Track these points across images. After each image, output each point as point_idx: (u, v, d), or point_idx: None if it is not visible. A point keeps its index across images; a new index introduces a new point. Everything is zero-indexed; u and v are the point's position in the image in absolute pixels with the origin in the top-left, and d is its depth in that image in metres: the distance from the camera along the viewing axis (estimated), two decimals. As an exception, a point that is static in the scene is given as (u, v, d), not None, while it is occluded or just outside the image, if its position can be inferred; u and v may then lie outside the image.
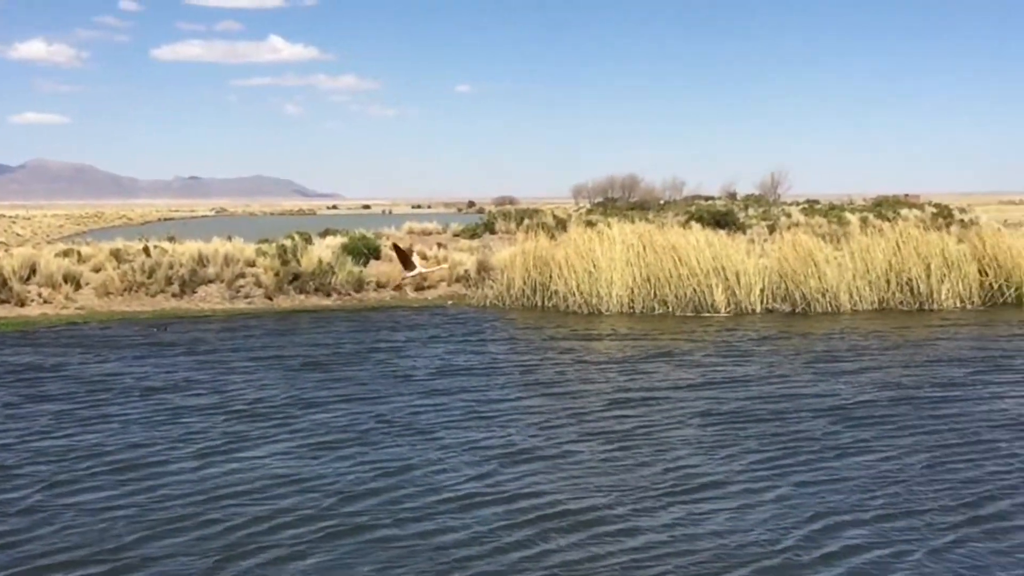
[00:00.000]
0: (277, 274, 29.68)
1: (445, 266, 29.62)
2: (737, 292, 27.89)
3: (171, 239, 33.20)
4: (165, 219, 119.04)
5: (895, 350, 21.43)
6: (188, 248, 31.20)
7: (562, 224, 40.91)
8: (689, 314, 27.26)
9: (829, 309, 27.62)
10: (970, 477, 11.98)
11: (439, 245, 35.76)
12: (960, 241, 29.99)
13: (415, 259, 25.22)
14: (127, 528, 10.33)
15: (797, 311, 27.62)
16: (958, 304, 28.28)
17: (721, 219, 44.97)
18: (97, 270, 29.66)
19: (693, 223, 39.46)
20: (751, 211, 59.58)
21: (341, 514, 10.72)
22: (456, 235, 41.02)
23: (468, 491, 11.51)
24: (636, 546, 9.84)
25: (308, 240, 33.31)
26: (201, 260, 30.15)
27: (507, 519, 10.57)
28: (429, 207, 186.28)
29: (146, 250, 30.75)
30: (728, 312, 27.43)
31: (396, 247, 27.67)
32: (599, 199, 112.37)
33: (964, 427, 14.31)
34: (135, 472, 12.29)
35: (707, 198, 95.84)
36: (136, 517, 10.66)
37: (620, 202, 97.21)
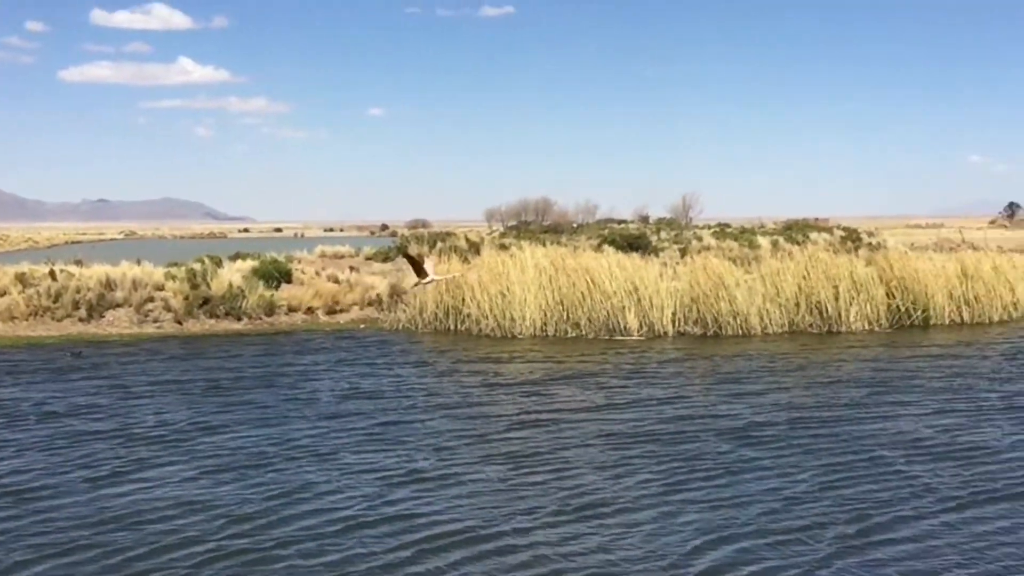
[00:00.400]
0: (187, 298, 29.26)
1: (458, 274, 29.19)
2: (650, 315, 28.04)
3: (78, 263, 32.50)
4: (72, 242, 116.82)
5: (799, 372, 21.79)
6: (96, 272, 30.61)
7: (475, 247, 40.79)
8: (603, 337, 27.38)
9: (740, 332, 27.84)
10: (856, 493, 12.28)
11: (351, 268, 35.48)
12: (868, 264, 30.40)
13: (428, 266, 24.57)
14: (17, 553, 10.22)
15: (709, 334, 27.81)
16: (866, 326, 28.69)
17: (634, 242, 45.20)
18: (1, 294, 28.95)
19: (606, 246, 39.59)
20: (663, 234, 59.99)
21: (228, 536, 10.70)
22: (368, 258, 40.75)
23: (360, 513, 11.56)
24: (519, 563, 10.00)
25: (218, 264, 32.86)
26: (109, 284, 29.62)
27: (396, 540, 10.63)
28: (342, 230, 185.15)
29: (52, 274, 30.10)
30: (641, 335, 27.53)
31: (407, 254, 27.35)
32: (513, 222, 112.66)
33: (856, 446, 14.64)
34: (28, 497, 12.16)
35: (620, 221, 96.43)
36: (27, 542, 10.55)
37: (533, 225, 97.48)
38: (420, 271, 24.04)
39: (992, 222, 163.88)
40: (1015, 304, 30.74)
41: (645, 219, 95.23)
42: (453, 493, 12.34)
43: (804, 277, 28.86)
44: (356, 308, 31.28)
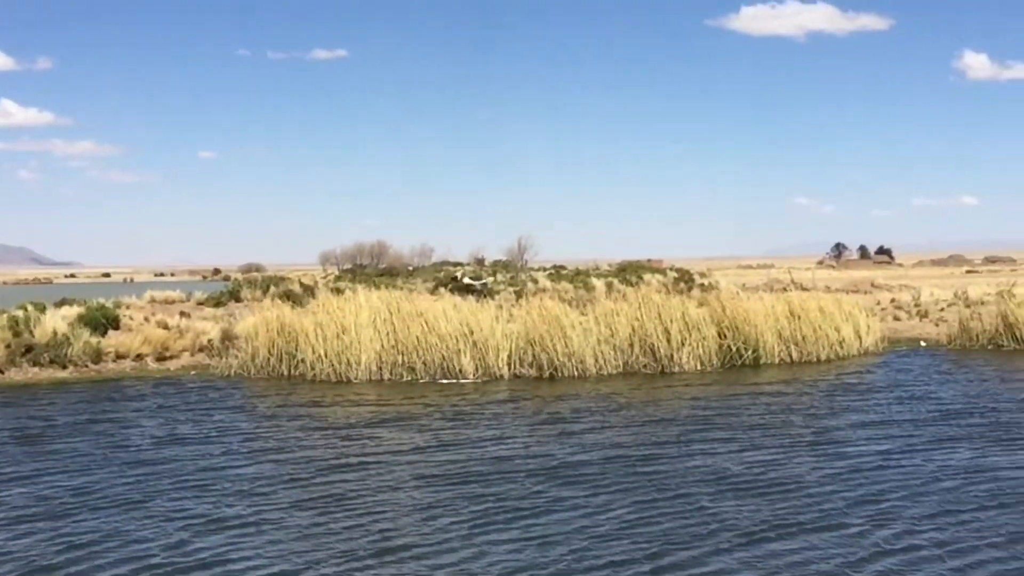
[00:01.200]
0: (8, 346, 28.37)
1: None
2: (486, 358, 28.19)
3: None
4: None
5: (623, 411, 22.32)
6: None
7: (310, 291, 40.51)
8: (439, 380, 27.39)
9: (576, 373, 28.23)
10: (660, 530, 12.68)
11: (182, 314, 34.84)
12: (700, 305, 31.10)
13: None
14: None
15: (544, 376, 28.11)
16: (699, 366, 29.31)
17: (469, 285, 45.36)
18: None
19: (441, 289, 39.71)
20: (499, 277, 60.32)
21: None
22: (200, 303, 40.05)
23: (166, 561, 11.54)
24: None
25: (42, 310, 31.91)
26: (-76, 334, 28.48)
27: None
28: (173, 275, 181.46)
29: None
30: (476, 378, 27.74)
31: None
32: (348, 265, 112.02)
33: (666, 483, 15.11)
34: None
35: (455, 264, 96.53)
36: None
37: (369, 268, 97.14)
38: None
39: (820, 262, 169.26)
40: (841, 343, 31.71)
41: (481, 261, 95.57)
42: (262, 539, 12.40)
43: (637, 318, 29.39)
44: (187, 354, 30.78)
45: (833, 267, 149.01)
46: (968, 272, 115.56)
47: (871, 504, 13.86)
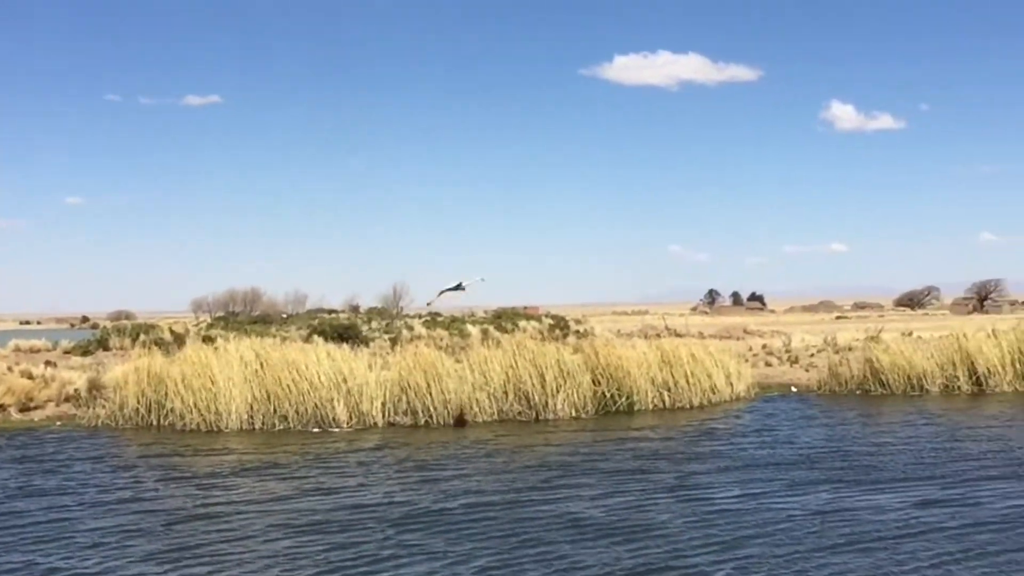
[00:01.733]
0: None
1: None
2: (359, 405, 28.06)
3: None
4: None
5: (491, 458, 22.43)
6: None
7: (180, 339, 39.93)
8: (312, 428, 27.17)
9: (450, 422, 28.13)
10: None
11: (48, 363, 34.10)
12: (574, 352, 31.35)
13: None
14: None
15: (419, 423, 28.00)
16: (573, 413, 29.52)
17: (344, 332, 45.29)
18: None
19: (316, 337, 39.51)
20: (374, 324, 60.26)
21: None
22: (67, 352, 39.28)
23: None
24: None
25: None
26: None
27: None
28: (39, 323, 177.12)
29: None
30: (350, 426, 27.60)
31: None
32: (220, 313, 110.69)
33: (529, 530, 15.23)
34: None
35: (330, 311, 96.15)
36: None
37: (242, 316, 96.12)
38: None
39: (694, 309, 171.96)
40: (713, 389, 32.17)
41: (356, 308, 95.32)
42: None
43: (512, 365, 29.53)
44: (52, 405, 30.10)
45: (707, 313, 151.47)
46: (838, 318, 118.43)
47: (730, 548, 14.14)
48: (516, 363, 29.62)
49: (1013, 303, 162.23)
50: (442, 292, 29.07)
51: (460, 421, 28.28)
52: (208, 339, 35.11)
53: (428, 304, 28.57)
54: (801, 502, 17.22)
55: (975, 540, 14.44)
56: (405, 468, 21.03)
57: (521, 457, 22.48)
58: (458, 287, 28.64)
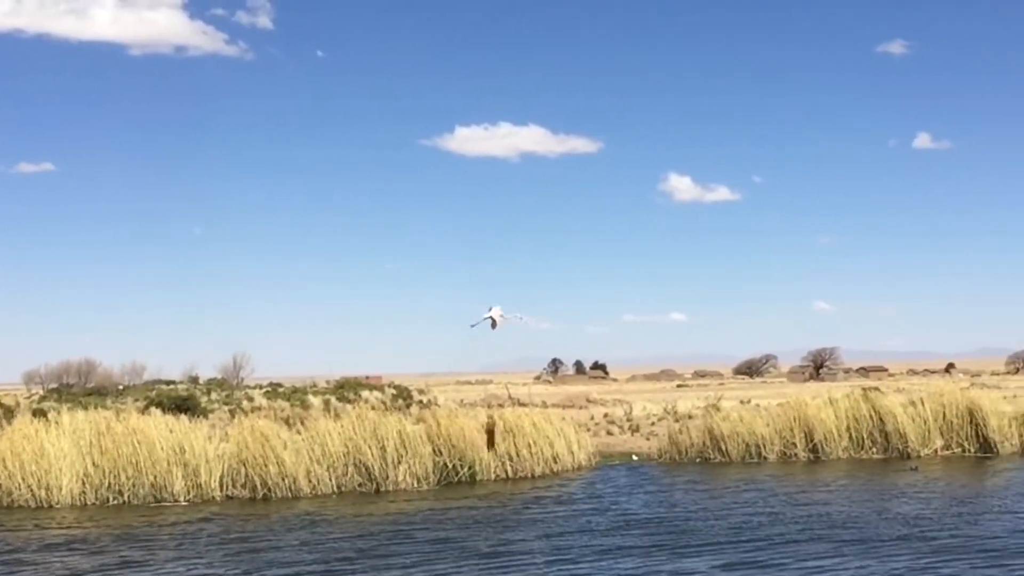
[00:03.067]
0: None
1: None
2: (197, 478, 27.75)
3: None
4: None
5: (314, 528, 22.81)
6: None
7: (10, 412, 38.86)
8: (149, 503, 26.77)
9: (288, 494, 28.04)
10: None
11: None
12: (416, 423, 31.44)
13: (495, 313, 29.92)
14: None
15: (258, 496, 27.81)
16: (415, 485, 29.57)
17: (182, 404, 44.64)
18: None
19: (153, 409, 38.86)
20: (214, 395, 59.42)
21: None
22: None
23: None
24: None
25: None
26: None
27: None
28: None
29: None
30: (188, 499, 27.23)
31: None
32: (54, 385, 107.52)
33: None
34: None
35: (169, 382, 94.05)
36: None
37: (76, 388, 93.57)
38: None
39: (537, 377, 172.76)
40: (555, 458, 32.52)
41: (195, 379, 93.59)
42: None
43: (351, 437, 29.50)
44: None
45: (550, 382, 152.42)
46: (679, 386, 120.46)
47: None
48: (356, 434, 29.60)
49: (847, 370, 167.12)
50: (474, 324, 29.56)
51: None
52: (40, 412, 34.33)
53: (472, 326, 28.78)
54: (606, 567, 17.96)
55: None
56: (225, 541, 21.17)
57: (344, 527, 22.84)
58: (491, 320, 29.14)
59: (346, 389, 61.11)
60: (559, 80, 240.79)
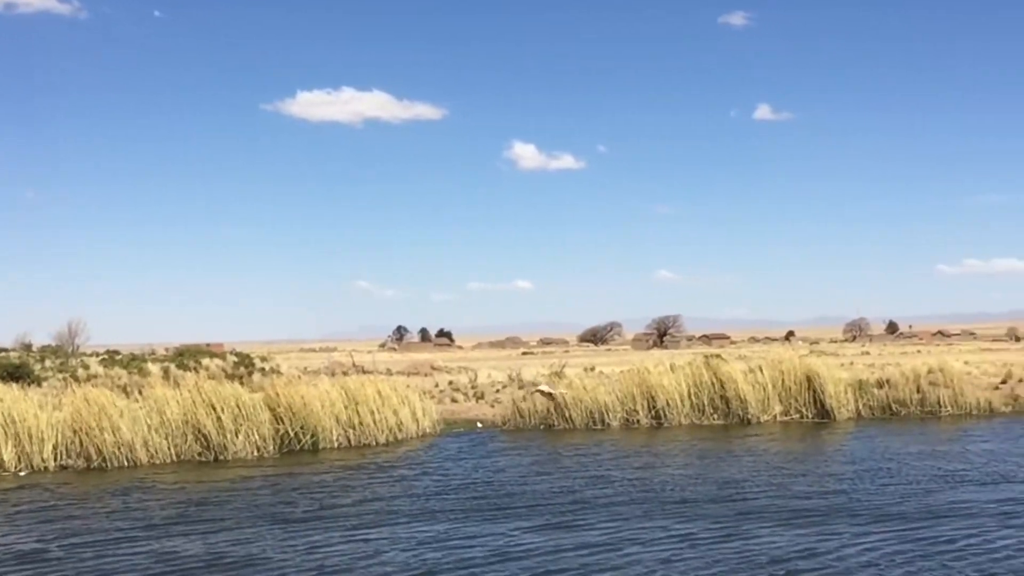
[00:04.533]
0: None
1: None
2: (29, 449, 27.11)
3: None
4: None
5: (126, 497, 22.90)
6: None
7: None
8: (-25, 475, 26.29)
9: (126, 463, 27.66)
10: None
11: None
12: (255, 391, 31.24)
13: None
14: None
15: (93, 466, 27.41)
16: (255, 453, 29.37)
17: (14, 372, 43.60)
18: None
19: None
20: (48, 363, 58.04)
21: None
22: None
23: None
24: None
25: None
26: None
27: None
28: None
29: None
30: (19, 471, 26.65)
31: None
32: None
33: (116, 567, 15.96)
34: None
35: (0, 350, 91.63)
36: None
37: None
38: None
39: (382, 345, 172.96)
40: (399, 426, 32.60)
41: (28, 347, 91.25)
42: None
43: (189, 405, 29.18)
44: None
45: (395, 350, 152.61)
46: (524, 354, 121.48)
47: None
48: (194, 403, 29.29)
49: (691, 338, 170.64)
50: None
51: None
52: None
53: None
54: (414, 529, 18.55)
55: (574, 560, 15.89)
56: (46, 510, 21.20)
57: (169, 495, 22.98)
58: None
59: (186, 357, 60.29)
60: (403, 45, 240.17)
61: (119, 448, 28.15)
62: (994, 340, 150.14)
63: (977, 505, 19.74)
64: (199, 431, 29.34)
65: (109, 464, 27.89)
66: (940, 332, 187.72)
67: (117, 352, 72.85)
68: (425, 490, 22.94)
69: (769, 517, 18.90)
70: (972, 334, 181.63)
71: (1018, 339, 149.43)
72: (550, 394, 32.32)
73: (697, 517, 19.07)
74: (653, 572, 15.04)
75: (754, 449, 29.09)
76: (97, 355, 68.90)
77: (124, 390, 32.71)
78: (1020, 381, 42.76)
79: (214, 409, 29.51)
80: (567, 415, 35.39)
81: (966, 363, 51.88)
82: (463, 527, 18.61)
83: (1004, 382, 42.67)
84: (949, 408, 37.29)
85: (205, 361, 57.13)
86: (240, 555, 16.61)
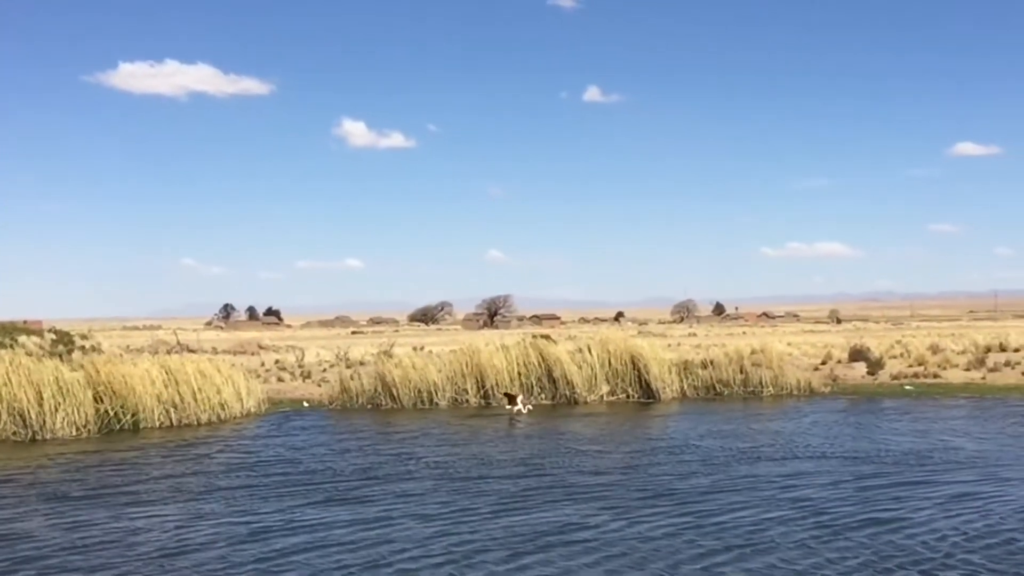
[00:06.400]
0: None
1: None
2: None
3: None
4: None
5: None
6: None
7: None
8: None
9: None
10: None
11: None
12: (74, 369, 30.71)
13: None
14: None
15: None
16: (75, 433, 29.00)
17: None
18: None
19: None
20: None
21: None
22: None
23: None
24: None
25: None
26: None
27: None
28: None
29: None
30: None
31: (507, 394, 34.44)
32: None
33: None
34: None
35: None
36: None
37: None
38: (512, 401, 33.51)
39: (209, 323, 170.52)
40: (223, 405, 32.51)
41: None
42: None
43: (5, 383, 28.54)
44: None
45: (222, 328, 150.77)
46: (354, 333, 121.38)
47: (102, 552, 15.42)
48: (11, 380, 28.64)
49: (521, 318, 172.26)
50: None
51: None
52: None
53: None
54: (189, 507, 18.77)
55: (343, 535, 16.25)
56: None
57: None
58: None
59: (1, 334, 58.58)
60: (230, 19, 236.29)
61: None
62: (816, 322, 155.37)
63: (765, 479, 20.65)
64: (15, 409, 28.72)
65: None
66: (765, 314, 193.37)
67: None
68: (221, 468, 23.22)
69: (553, 494, 19.51)
70: (796, 316, 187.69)
71: (839, 321, 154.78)
72: (519, 410, 32.59)
73: (482, 494, 19.62)
74: (417, 546, 15.48)
75: (569, 429, 29.78)
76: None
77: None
78: (839, 363, 44.51)
79: (32, 386, 28.90)
80: (395, 394, 35.42)
81: (789, 344, 53.77)
82: (243, 504, 18.89)
83: (824, 363, 44.35)
84: (771, 388, 38.54)
85: (22, 338, 55.71)
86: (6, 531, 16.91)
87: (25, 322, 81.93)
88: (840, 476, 20.86)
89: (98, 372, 30.88)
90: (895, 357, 46.73)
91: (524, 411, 32.79)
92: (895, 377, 41.45)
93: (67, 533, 16.63)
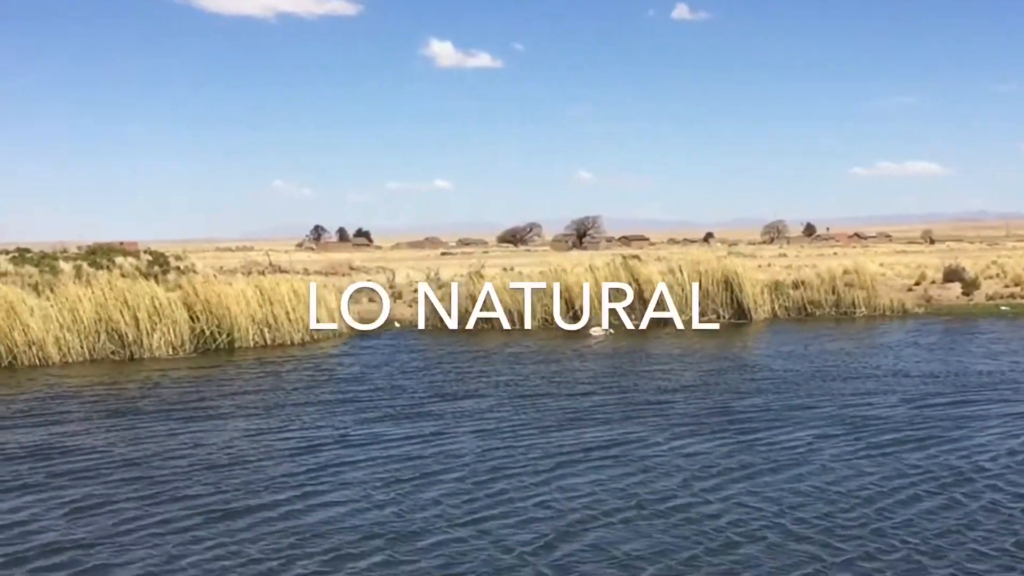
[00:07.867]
0: None
1: None
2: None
3: None
4: None
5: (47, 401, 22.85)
6: None
7: None
8: None
9: (37, 362, 27.60)
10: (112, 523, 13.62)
11: None
12: (171, 290, 31.06)
13: None
14: None
15: (3, 365, 27.28)
16: (171, 352, 29.39)
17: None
18: None
19: None
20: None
21: None
22: None
23: None
24: None
25: None
26: None
27: None
28: None
29: None
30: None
31: None
32: None
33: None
34: None
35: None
36: None
37: None
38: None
39: (299, 245, 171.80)
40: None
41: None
42: None
43: (103, 303, 28.98)
44: None
45: (312, 249, 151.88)
46: (443, 254, 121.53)
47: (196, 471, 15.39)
48: (107, 301, 29.10)
49: (609, 239, 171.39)
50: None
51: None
52: None
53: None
54: (252, 424, 19.06)
55: (396, 448, 16.25)
56: None
57: (73, 395, 23.09)
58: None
59: (99, 255, 59.59)
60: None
61: (29, 346, 28.11)
62: (909, 242, 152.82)
63: (834, 398, 20.67)
64: (113, 329, 29.20)
65: (19, 362, 27.84)
66: (857, 234, 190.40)
67: (28, 250, 71.57)
68: (297, 385, 23.65)
69: (616, 411, 19.64)
70: (888, 236, 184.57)
71: (932, 241, 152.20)
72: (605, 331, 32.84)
73: (546, 410, 19.79)
74: (470, 459, 15.68)
75: (651, 350, 29.61)
76: (7, 253, 67.70)
77: (35, 288, 32.35)
78: (932, 283, 43.77)
79: (128, 307, 29.34)
80: (484, 315, 35.32)
81: (881, 265, 52.91)
82: (308, 419, 19.28)
83: (918, 283, 43.64)
84: (863, 309, 38.15)
85: (119, 259, 56.53)
86: (74, 445, 17.21)
87: (121, 243, 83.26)
88: (911, 395, 20.77)
89: (195, 292, 31.31)
90: (990, 277, 45.85)
91: (605, 333, 32.78)
92: (991, 298, 40.85)
93: (127, 447, 16.98)
